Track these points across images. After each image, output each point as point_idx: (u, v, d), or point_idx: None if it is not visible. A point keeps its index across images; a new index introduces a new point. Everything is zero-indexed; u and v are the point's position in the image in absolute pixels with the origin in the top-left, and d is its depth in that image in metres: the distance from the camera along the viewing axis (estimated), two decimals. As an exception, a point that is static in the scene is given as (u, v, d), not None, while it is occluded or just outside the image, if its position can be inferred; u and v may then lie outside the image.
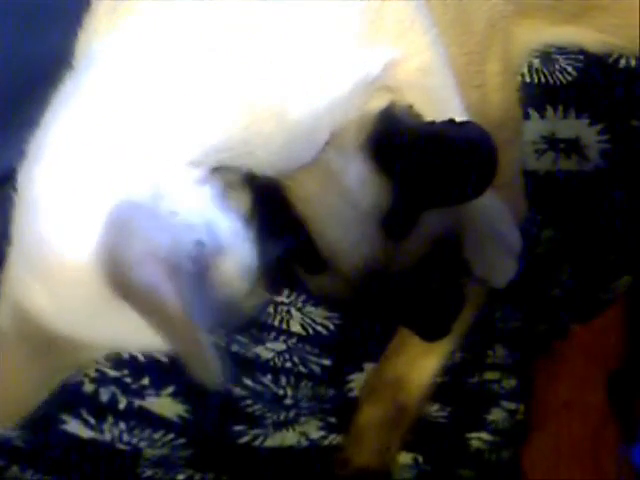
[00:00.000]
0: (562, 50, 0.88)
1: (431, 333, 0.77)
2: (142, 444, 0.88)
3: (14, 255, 0.59)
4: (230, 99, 0.61)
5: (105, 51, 0.61)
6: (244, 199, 0.65)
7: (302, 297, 0.86)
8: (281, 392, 0.90)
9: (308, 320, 0.87)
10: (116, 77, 0.60)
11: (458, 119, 0.70)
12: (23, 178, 0.59)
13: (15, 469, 0.88)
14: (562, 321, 0.99)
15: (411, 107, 0.71)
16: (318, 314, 0.87)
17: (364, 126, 0.69)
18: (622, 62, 0.88)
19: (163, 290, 0.50)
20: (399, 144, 0.68)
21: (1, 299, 0.60)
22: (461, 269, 0.76)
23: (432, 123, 0.68)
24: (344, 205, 0.70)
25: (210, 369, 0.51)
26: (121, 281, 0.51)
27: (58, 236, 0.55)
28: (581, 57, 0.88)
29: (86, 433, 0.86)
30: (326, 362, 0.90)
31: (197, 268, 0.55)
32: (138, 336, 0.56)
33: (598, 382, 1.05)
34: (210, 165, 0.61)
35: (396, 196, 0.69)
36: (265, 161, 0.65)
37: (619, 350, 1.07)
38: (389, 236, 0.71)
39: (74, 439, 0.86)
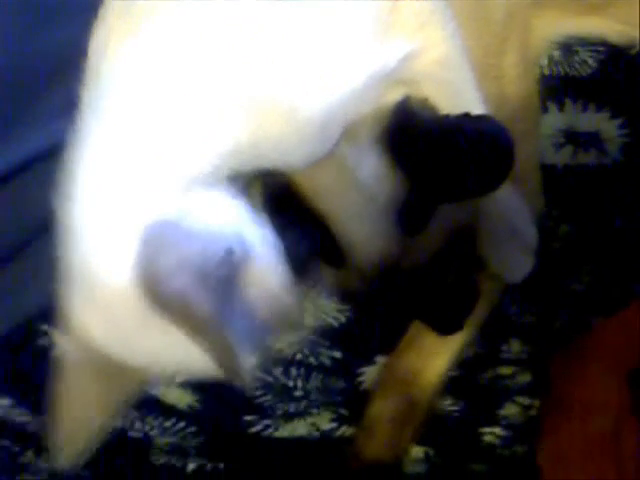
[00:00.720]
0: (583, 41, 0.87)
1: (445, 327, 0.77)
2: (153, 432, 0.89)
3: (68, 284, 0.60)
4: (237, 102, 0.60)
5: (121, 68, 0.61)
6: (259, 199, 0.65)
7: (315, 289, 0.86)
8: (291, 384, 0.90)
9: (320, 312, 0.87)
10: (135, 95, 0.60)
11: (475, 112, 0.69)
12: (61, 210, 0.60)
13: (30, 454, 0.89)
14: (584, 315, 0.98)
15: (427, 100, 0.70)
16: (330, 306, 0.87)
17: (379, 120, 0.69)
18: (645, 55, 0.87)
19: (193, 297, 0.52)
20: (414, 138, 0.67)
21: (63, 326, 0.61)
22: (476, 264, 0.75)
23: (448, 116, 0.68)
24: (359, 199, 0.69)
25: (239, 370, 0.54)
26: (156, 293, 0.53)
27: (99, 261, 0.57)
28: (602, 49, 0.87)
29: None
30: (337, 354, 0.90)
31: (228, 274, 0.56)
32: (182, 356, 0.58)
33: (618, 379, 1.04)
34: (226, 172, 0.61)
35: (411, 190, 0.68)
36: (278, 161, 0.64)
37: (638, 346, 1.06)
38: (404, 230, 0.70)
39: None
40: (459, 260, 0.74)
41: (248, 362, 0.56)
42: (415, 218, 0.70)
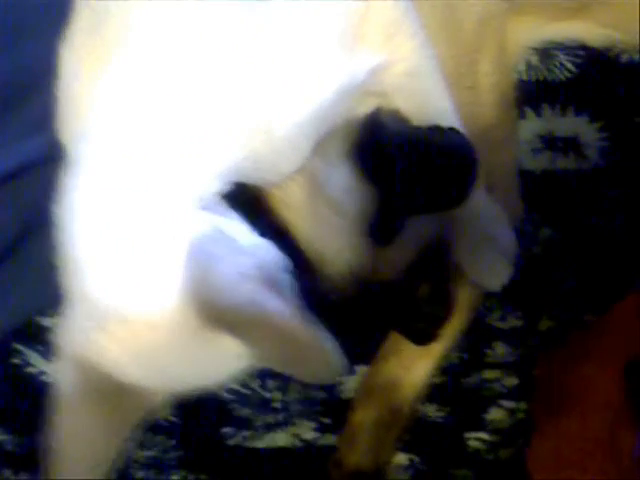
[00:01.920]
0: (562, 46, 0.86)
1: (420, 338, 0.77)
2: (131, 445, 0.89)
3: (74, 315, 0.60)
4: (221, 125, 0.61)
5: (106, 98, 0.61)
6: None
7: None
8: (269, 395, 0.90)
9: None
10: (122, 122, 0.60)
11: (447, 123, 0.69)
12: (62, 243, 0.60)
13: (8, 473, 0.89)
14: (575, 315, 0.97)
15: (397, 112, 0.70)
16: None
17: (349, 133, 0.69)
18: (624, 57, 0.86)
19: (265, 303, 0.51)
20: (383, 151, 0.67)
21: (62, 359, 0.61)
22: (449, 275, 0.75)
23: (417, 129, 0.67)
24: (330, 213, 0.69)
25: (331, 363, 0.53)
26: (216, 307, 0.53)
27: (126, 291, 0.57)
28: (581, 53, 0.86)
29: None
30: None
31: (289, 278, 0.57)
32: (214, 372, 0.59)
33: (616, 376, 1.03)
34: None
35: (381, 203, 0.68)
36: (254, 177, 0.65)
37: (636, 341, 1.06)
38: (375, 243, 0.70)
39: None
40: (432, 272, 0.74)
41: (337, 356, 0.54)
42: (385, 230, 0.70)
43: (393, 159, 0.66)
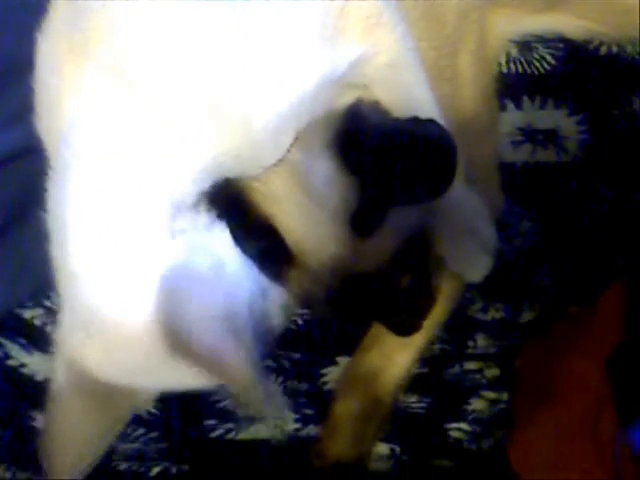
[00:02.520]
0: (541, 38, 0.87)
1: (402, 329, 0.77)
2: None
3: (66, 318, 0.62)
4: (202, 120, 0.61)
5: (86, 100, 0.61)
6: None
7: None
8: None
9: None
10: (104, 125, 0.60)
11: (428, 114, 0.69)
12: (58, 254, 0.61)
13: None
14: (556, 306, 0.98)
15: (378, 103, 0.70)
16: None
17: (330, 124, 0.68)
18: (603, 49, 0.87)
19: (224, 349, 0.54)
20: (364, 142, 0.67)
21: (57, 357, 0.63)
22: (431, 266, 0.75)
23: (397, 120, 0.67)
24: (311, 204, 0.69)
25: (265, 405, 0.56)
26: (182, 345, 0.55)
27: (109, 302, 0.59)
28: (561, 45, 0.87)
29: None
30: (297, 356, 0.90)
31: (253, 316, 0.60)
32: (190, 379, 0.60)
33: (598, 365, 1.04)
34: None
35: (363, 194, 0.68)
36: (235, 170, 0.65)
37: (618, 333, 1.06)
38: (357, 234, 0.70)
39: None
40: (414, 263, 0.74)
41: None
42: (366, 221, 0.70)
43: (373, 150, 0.66)
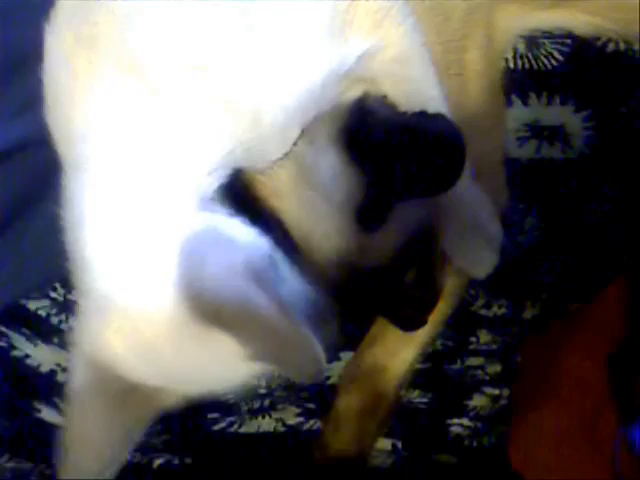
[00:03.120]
0: (549, 34, 0.86)
1: (407, 324, 0.77)
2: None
3: (84, 314, 0.60)
4: (216, 114, 0.60)
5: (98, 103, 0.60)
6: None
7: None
8: (254, 382, 0.90)
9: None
10: (120, 122, 0.60)
11: (435, 109, 0.69)
12: (72, 243, 0.60)
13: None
14: (558, 303, 0.98)
15: (385, 98, 0.70)
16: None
17: (337, 118, 0.69)
18: (610, 46, 0.86)
19: (254, 298, 0.52)
20: (371, 136, 0.67)
21: (75, 356, 0.61)
22: (436, 261, 0.75)
23: (404, 114, 0.67)
24: (317, 197, 0.69)
25: (313, 357, 0.53)
26: (207, 304, 0.53)
27: (129, 285, 0.57)
28: (568, 41, 0.86)
29: (60, 420, 0.86)
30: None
31: (274, 275, 0.57)
32: (218, 373, 0.59)
33: (598, 363, 1.04)
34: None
35: (369, 188, 0.68)
36: (244, 163, 0.65)
37: (619, 331, 1.06)
38: (363, 228, 0.70)
39: (49, 426, 0.87)
40: (420, 258, 0.74)
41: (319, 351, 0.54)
42: (373, 216, 0.70)
43: (379, 144, 0.66)
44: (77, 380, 0.60)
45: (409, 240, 0.72)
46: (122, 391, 0.59)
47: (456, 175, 0.65)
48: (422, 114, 0.66)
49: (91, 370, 0.59)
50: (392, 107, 0.70)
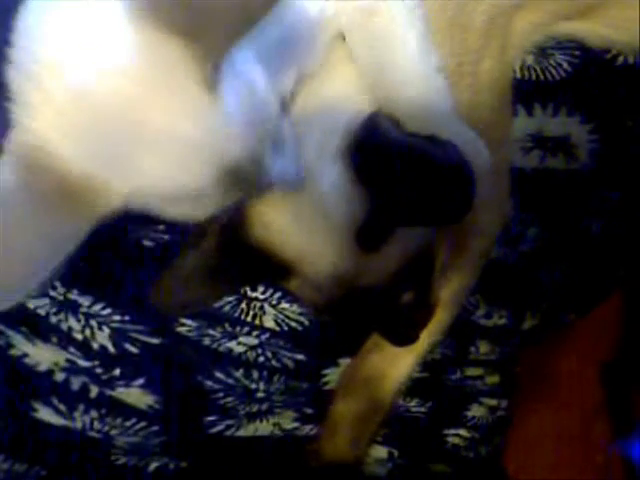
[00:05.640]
0: (559, 45, 0.86)
1: (399, 340, 0.77)
2: (114, 432, 0.89)
3: (23, 101, 0.54)
4: None
5: None
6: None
7: (277, 294, 0.86)
8: (253, 386, 0.90)
9: (282, 316, 0.87)
10: None
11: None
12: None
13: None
14: (556, 314, 0.98)
15: (396, 118, 0.68)
16: (292, 311, 0.87)
17: (345, 132, 0.67)
18: (620, 59, 0.86)
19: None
20: (379, 156, 0.65)
21: (3, 155, 0.54)
22: (433, 281, 0.75)
23: (414, 137, 0.66)
24: (314, 210, 0.68)
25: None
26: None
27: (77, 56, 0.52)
28: (578, 53, 0.86)
29: (57, 420, 0.87)
30: (300, 357, 0.90)
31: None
32: (161, 169, 0.54)
33: (592, 373, 1.05)
34: None
35: (371, 209, 0.67)
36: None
37: (613, 343, 1.07)
38: (361, 248, 0.69)
39: (46, 426, 0.87)
40: (417, 280, 0.73)
41: None
42: (372, 237, 0.69)
43: (387, 166, 0.64)
44: (6, 184, 0.54)
45: (408, 261, 0.71)
46: (56, 192, 0.54)
47: (464, 209, 0.63)
48: (433, 140, 0.64)
49: (21, 170, 0.54)
50: (402, 128, 0.68)
